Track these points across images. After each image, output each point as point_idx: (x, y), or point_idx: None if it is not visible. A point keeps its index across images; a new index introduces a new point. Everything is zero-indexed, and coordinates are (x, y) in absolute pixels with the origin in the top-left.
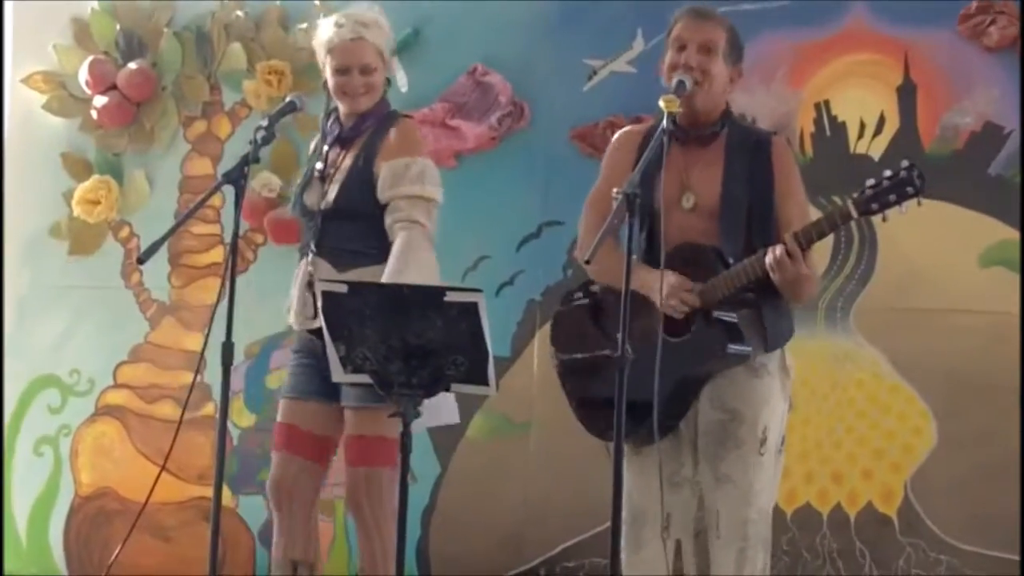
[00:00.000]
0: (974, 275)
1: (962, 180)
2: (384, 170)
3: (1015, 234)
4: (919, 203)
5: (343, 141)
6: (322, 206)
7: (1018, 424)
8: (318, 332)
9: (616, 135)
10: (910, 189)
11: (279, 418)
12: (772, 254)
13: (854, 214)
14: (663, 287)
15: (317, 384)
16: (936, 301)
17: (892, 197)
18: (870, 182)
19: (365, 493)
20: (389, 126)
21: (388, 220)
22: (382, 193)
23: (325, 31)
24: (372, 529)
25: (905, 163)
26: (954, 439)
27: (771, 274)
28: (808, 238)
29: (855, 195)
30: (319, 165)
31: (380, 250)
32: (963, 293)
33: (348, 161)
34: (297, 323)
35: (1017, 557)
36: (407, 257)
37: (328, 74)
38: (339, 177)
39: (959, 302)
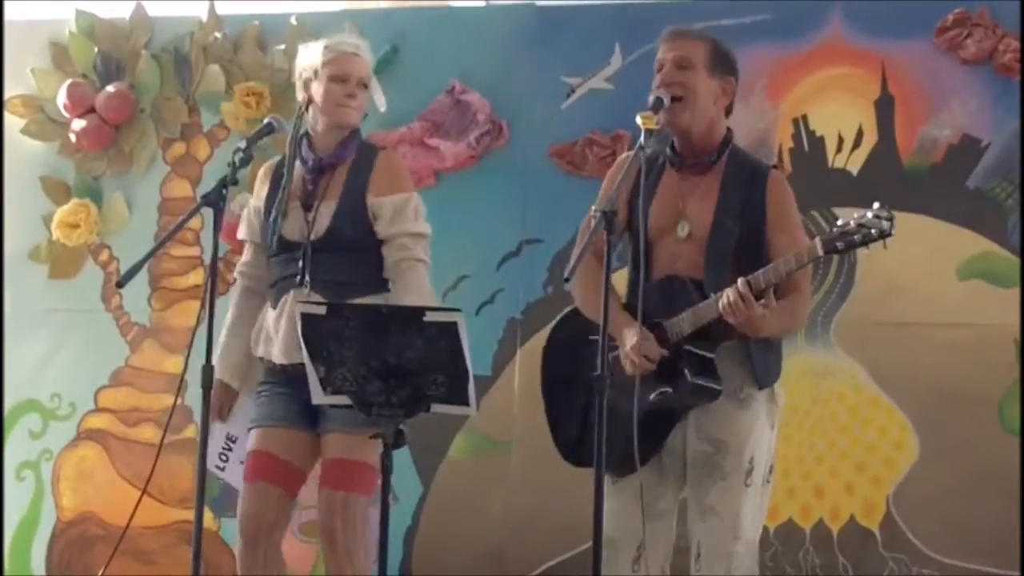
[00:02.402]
0: (953, 288)
1: (940, 193)
2: (385, 206)
3: (993, 246)
4: (885, 246)
5: (322, 169)
6: (311, 237)
7: (997, 436)
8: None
9: (620, 156)
10: (875, 232)
11: (254, 446)
12: (725, 298)
13: (820, 252)
14: (627, 343)
15: (295, 412)
16: (915, 314)
17: (858, 238)
18: (840, 222)
19: (341, 519)
20: (371, 157)
21: (394, 256)
22: (385, 229)
23: (317, 47)
24: (343, 556)
25: (876, 205)
26: (935, 452)
27: (726, 318)
28: (767, 280)
29: (824, 233)
30: (298, 192)
31: (371, 281)
32: (942, 306)
33: (334, 191)
34: (286, 357)
35: (996, 570)
36: (423, 295)
37: (318, 88)
38: (327, 208)
39: (938, 315)
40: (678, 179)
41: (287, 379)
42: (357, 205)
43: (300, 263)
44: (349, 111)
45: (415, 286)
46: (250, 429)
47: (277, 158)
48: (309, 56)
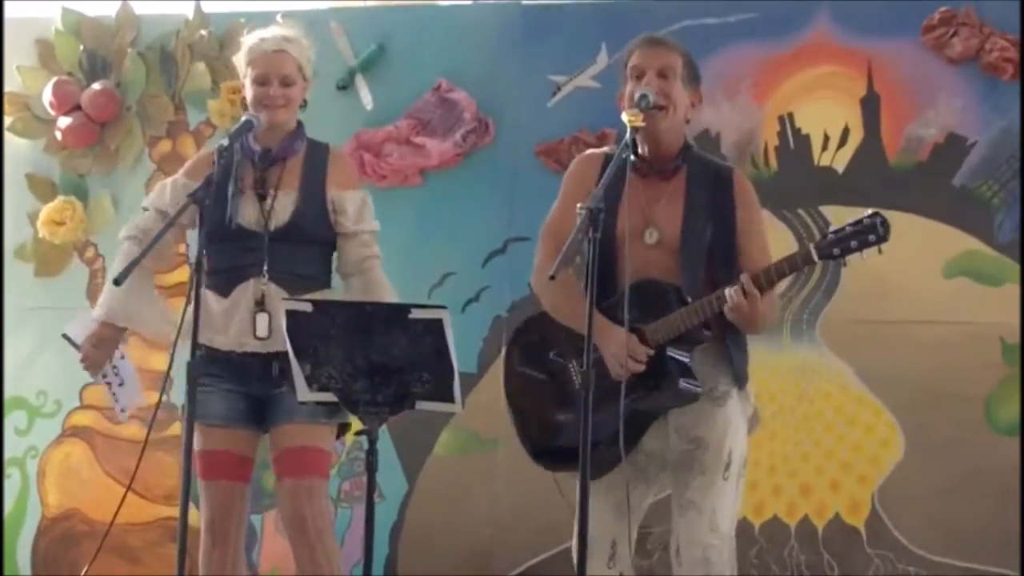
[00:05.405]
0: (939, 286)
1: (926, 191)
2: (348, 201)
3: (979, 245)
4: (880, 251)
5: (272, 160)
6: (271, 227)
7: (983, 434)
8: (253, 354)
9: (575, 160)
10: (872, 237)
11: (210, 446)
12: (732, 297)
13: (815, 258)
14: (614, 344)
15: (242, 411)
16: (901, 312)
17: (854, 244)
18: (834, 228)
19: (310, 506)
20: (324, 153)
21: (359, 252)
22: (351, 225)
23: (245, 47)
24: (315, 540)
25: (870, 212)
26: (920, 450)
27: (728, 314)
28: (768, 279)
29: (818, 239)
30: (248, 181)
31: (324, 275)
32: (928, 304)
33: (290, 183)
34: (239, 346)
35: (982, 567)
36: (389, 289)
37: (247, 86)
38: (287, 199)
39: (924, 313)
40: (642, 185)
41: (231, 370)
42: (317, 198)
43: (258, 253)
44: (272, 112)
45: (383, 281)
46: (200, 425)
47: (215, 147)
48: (242, 51)
